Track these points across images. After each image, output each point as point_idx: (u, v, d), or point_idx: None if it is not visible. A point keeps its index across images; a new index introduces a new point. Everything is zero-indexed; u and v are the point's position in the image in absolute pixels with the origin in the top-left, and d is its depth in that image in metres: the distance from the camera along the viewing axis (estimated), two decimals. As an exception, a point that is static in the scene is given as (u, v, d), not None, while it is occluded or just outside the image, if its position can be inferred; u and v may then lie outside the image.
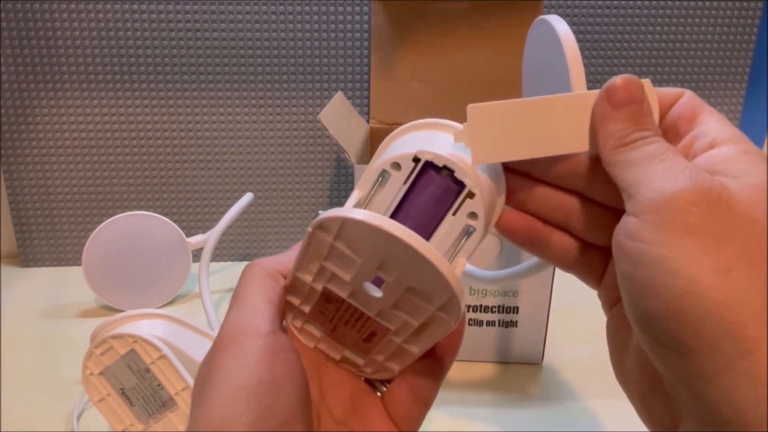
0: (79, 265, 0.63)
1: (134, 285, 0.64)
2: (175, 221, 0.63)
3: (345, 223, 0.25)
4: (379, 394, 0.31)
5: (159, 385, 0.42)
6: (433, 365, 0.30)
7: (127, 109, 0.68)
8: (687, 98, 0.27)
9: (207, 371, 0.26)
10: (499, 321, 0.54)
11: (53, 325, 0.62)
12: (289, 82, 0.68)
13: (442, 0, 0.59)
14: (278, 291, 0.28)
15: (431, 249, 0.24)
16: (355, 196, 0.29)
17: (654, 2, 0.67)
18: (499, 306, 0.54)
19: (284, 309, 0.29)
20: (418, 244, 0.24)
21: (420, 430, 0.41)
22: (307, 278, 0.28)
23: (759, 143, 0.71)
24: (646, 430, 0.31)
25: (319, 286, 0.28)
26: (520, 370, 0.55)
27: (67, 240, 0.72)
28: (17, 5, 0.63)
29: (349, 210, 0.25)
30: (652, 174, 0.23)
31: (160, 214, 0.63)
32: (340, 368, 0.31)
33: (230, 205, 0.65)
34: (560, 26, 0.32)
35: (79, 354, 0.43)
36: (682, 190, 0.22)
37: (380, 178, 0.28)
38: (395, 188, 0.28)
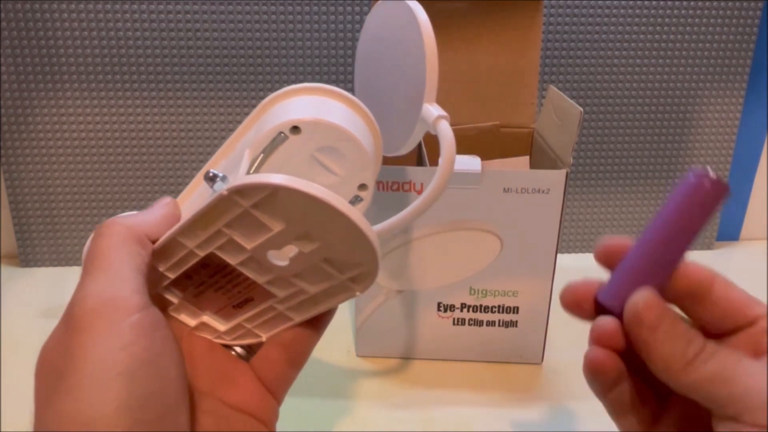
0: (79, 265, 0.63)
1: (134, 285, 0.64)
2: (175, 221, 0.63)
3: (277, 191, 0.22)
4: (238, 356, 0.28)
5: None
6: (310, 327, 0.27)
7: (127, 109, 0.68)
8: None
9: (62, 357, 0.22)
10: (499, 321, 0.54)
11: (53, 325, 0.62)
12: (289, 82, 0.68)
13: (442, 0, 0.59)
14: (146, 258, 0.24)
15: (368, 224, 0.22)
16: (247, 157, 0.26)
17: (654, 2, 0.67)
18: (499, 306, 0.54)
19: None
20: (359, 221, 0.22)
21: (420, 430, 0.41)
22: (191, 243, 0.24)
23: (759, 143, 0.71)
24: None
25: (203, 252, 0.24)
26: (520, 370, 0.55)
27: (67, 240, 0.72)
28: (17, 5, 0.63)
29: (282, 177, 0.21)
30: (754, 383, 0.23)
31: (160, 214, 0.62)
32: (193, 335, 0.28)
33: (230, 205, 0.65)
34: (420, 12, 0.33)
35: (79, 354, 0.43)
36: None
37: (274, 141, 0.26)
38: (291, 152, 0.26)
